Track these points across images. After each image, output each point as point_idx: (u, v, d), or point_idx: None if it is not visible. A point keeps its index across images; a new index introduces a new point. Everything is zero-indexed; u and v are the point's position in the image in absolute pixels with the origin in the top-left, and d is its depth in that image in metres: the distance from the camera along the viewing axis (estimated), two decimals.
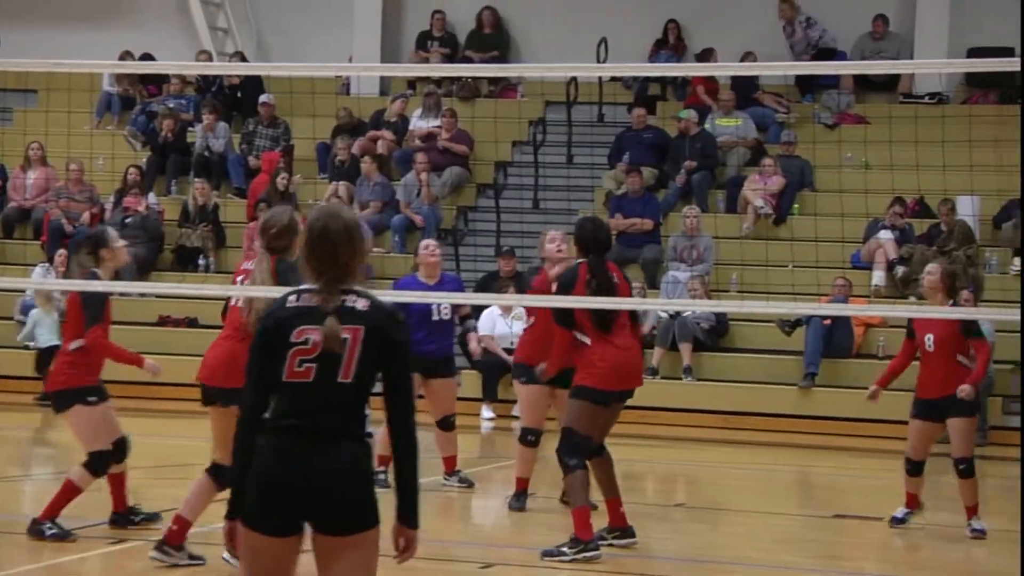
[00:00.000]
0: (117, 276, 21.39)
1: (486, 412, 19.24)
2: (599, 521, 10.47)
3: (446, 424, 13.04)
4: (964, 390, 11.34)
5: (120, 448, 10.64)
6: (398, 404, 5.48)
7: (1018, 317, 17.93)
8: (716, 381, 20.01)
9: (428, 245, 13.15)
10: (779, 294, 18.25)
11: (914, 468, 11.64)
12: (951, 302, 11.58)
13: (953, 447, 11.55)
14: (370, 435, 5.49)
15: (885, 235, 20.79)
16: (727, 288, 21.04)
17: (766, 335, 20.24)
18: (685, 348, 20.00)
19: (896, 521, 11.77)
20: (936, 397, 11.40)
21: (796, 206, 22.33)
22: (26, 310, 21.33)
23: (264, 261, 9.19)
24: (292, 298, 5.50)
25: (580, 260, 10.49)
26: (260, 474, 5.39)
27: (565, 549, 10.09)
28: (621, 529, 10.56)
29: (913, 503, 11.82)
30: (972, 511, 11.70)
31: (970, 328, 11.47)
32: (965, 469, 11.55)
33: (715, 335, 20.43)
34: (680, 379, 19.98)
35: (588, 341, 10.28)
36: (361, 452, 5.44)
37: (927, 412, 11.49)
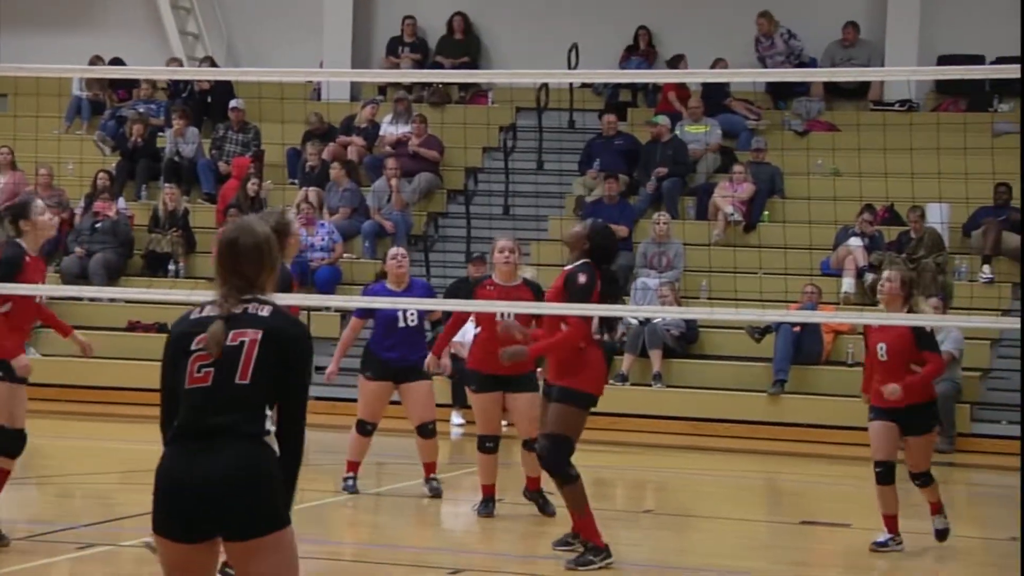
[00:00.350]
0: (86, 278, 21.47)
1: (456, 418, 19.22)
2: (558, 528, 10.47)
3: (425, 431, 12.96)
4: (889, 389, 10.95)
5: (13, 440, 10.09)
6: (290, 413, 5.53)
7: (986, 325, 18.08)
8: (685, 388, 20.01)
9: (396, 255, 13.01)
10: (748, 301, 18.29)
11: (885, 472, 11.17)
12: (907, 308, 11.22)
13: (909, 463, 11.28)
14: (268, 433, 5.46)
15: (855, 242, 20.84)
16: (697, 295, 21.06)
17: (736, 342, 20.27)
18: (655, 355, 20.01)
19: (878, 545, 11.33)
20: (893, 406, 11.08)
21: (766, 213, 22.38)
22: None
23: None
24: (196, 311, 5.62)
25: (586, 261, 10.37)
26: (158, 479, 5.46)
27: (592, 558, 10.08)
28: None
29: (893, 527, 11.34)
30: (936, 507, 11.49)
31: (925, 340, 11.14)
32: (923, 482, 11.32)
33: (685, 342, 20.46)
34: (650, 386, 19.99)
35: (583, 344, 10.28)
36: (257, 452, 5.43)
37: (886, 416, 11.16)
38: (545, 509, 12.06)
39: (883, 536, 11.30)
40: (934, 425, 11.34)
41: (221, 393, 5.44)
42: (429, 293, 13.44)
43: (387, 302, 12.57)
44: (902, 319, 11.15)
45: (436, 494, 13.09)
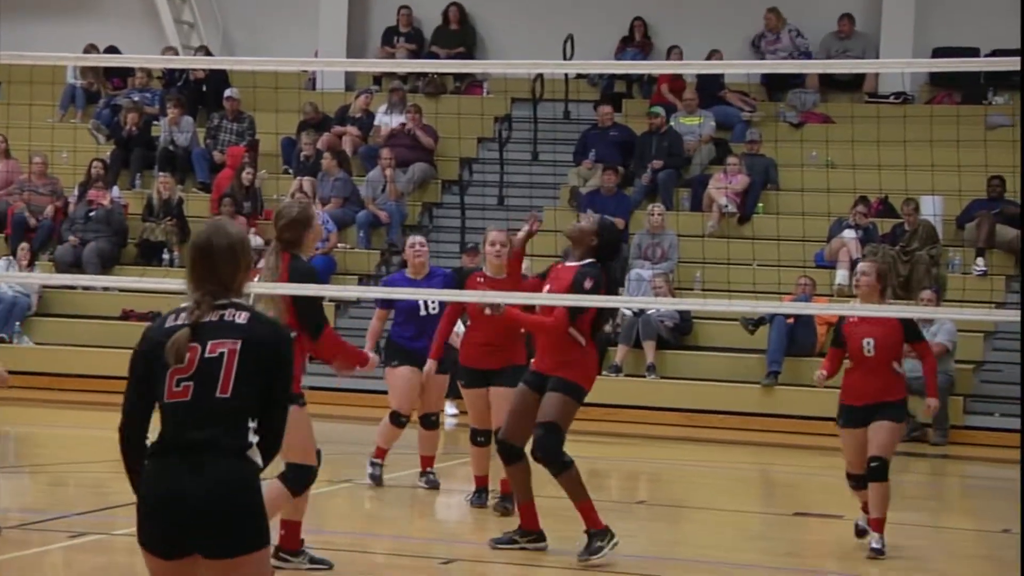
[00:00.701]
0: (79, 267, 21.45)
1: (449, 408, 19.18)
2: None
3: (428, 422, 12.89)
4: (932, 405, 10.82)
5: None
6: (271, 421, 5.36)
7: (979, 317, 18.10)
8: (679, 379, 20.03)
9: (414, 244, 12.85)
10: (743, 292, 18.30)
11: (860, 483, 10.86)
12: (885, 301, 10.97)
13: (871, 444, 10.70)
14: (251, 446, 5.30)
15: (849, 234, 20.86)
16: (691, 286, 21.08)
17: (730, 333, 20.28)
18: (649, 346, 20.02)
19: (861, 530, 11.11)
20: (870, 403, 10.71)
21: (760, 205, 22.39)
22: None
23: (274, 256, 9.01)
24: (171, 317, 5.42)
25: (592, 261, 10.14)
26: (142, 495, 5.32)
27: (600, 544, 9.98)
28: (536, 533, 10.48)
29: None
30: (878, 525, 10.77)
31: (915, 331, 10.86)
32: (878, 467, 10.62)
33: (679, 333, 20.47)
34: (643, 377, 20.00)
35: (583, 341, 10.13)
36: (241, 468, 5.27)
37: (859, 419, 10.77)
38: (508, 511, 11.90)
39: (863, 519, 11.05)
40: (903, 418, 10.91)
41: (202, 408, 5.26)
42: (449, 282, 13.27)
43: (407, 292, 12.40)
44: (896, 311, 11.05)
45: (433, 487, 13.06)
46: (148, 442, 5.40)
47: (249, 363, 5.28)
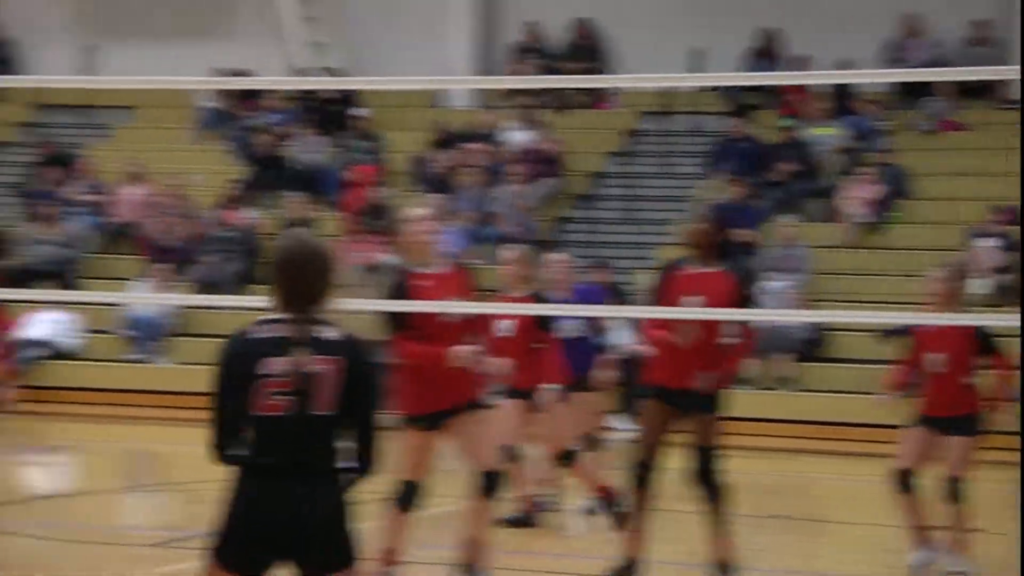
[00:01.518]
0: (216, 287, 21.71)
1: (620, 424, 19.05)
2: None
3: (565, 461, 11.87)
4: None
5: None
6: (366, 439, 5.29)
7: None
8: (814, 391, 19.86)
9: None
10: (877, 303, 18.10)
11: (904, 479, 10.56)
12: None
13: (946, 464, 10.52)
14: (344, 468, 5.26)
15: (984, 243, 20.56)
16: (824, 297, 20.89)
17: (865, 344, 20.06)
18: (782, 358, 19.87)
19: (917, 569, 10.54)
20: (943, 416, 10.38)
21: (895, 214, 22.16)
22: (134, 325, 21.62)
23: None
24: (255, 328, 5.29)
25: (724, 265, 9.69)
26: (238, 515, 5.24)
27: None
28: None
29: (925, 538, 10.52)
30: (960, 546, 10.53)
31: (987, 343, 10.31)
32: (952, 488, 10.47)
33: (812, 345, 20.29)
34: (775, 390, 19.86)
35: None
36: (340, 489, 5.25)
37: (932, 426, 10.47)
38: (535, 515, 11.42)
39: (917, 556, 10.54)
40: (975, 432, 10.44)
41: (298, 425, 5.19)
42: (596, 299, 12.31)
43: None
44: (943, 319, 10.40)
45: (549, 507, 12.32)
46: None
47: (344, 381, 5.22)
